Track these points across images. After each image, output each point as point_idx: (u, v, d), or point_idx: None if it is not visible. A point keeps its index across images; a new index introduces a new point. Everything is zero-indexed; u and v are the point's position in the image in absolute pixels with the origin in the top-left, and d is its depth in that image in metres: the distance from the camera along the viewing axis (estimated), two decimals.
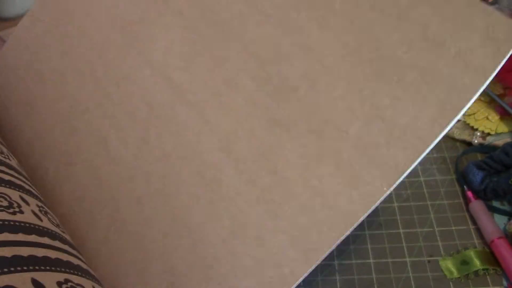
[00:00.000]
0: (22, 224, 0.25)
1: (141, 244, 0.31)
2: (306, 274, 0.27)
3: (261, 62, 0.32)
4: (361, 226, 0.40)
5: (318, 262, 0.27)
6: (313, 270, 0.38)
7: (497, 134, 0.45)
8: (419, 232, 0.39)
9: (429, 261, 0.37)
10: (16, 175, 0.31)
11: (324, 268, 0.38)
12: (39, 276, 0.22)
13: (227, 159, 0.31)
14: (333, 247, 0.27)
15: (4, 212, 0.24)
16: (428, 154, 0.46)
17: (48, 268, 0.23)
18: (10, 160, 0.33)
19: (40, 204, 0.30)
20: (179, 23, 0.37)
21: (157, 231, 0.31)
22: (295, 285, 0.28)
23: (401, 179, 0.27)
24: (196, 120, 0.33)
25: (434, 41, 0.28)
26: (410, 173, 0.44)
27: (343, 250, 0.39)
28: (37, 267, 0.22)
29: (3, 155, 0.32)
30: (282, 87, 0.31)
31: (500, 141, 0.44)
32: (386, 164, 0.27)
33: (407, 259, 0.37)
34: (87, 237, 0.33)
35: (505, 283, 0.35)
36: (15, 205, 0.26)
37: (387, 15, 0.29)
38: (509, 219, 0.38)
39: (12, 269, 0.21)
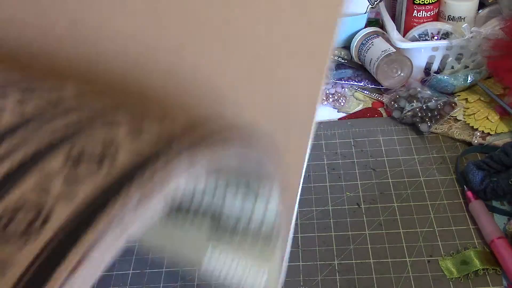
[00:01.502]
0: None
1: None
2: None
3: None
4: (361, 226, 0.40)
5: None
6: (313, 270, 0.38)
7: (497, 134, 0.45)
8: (419, 232, 0.39)
9: (429, 261, 0.37)
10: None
11: (324, 268, 0.38)
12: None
13: None
14: None
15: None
16: (428, 154, 0.46)
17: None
18: None
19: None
20: None
21: None
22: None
23: None
24: None
25: None
26: (410, 173, 0.45)
27: (343, 250, 0.39)
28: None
29: None
30: None
31: (500, 141, 0.45)
32: None
33: (407, 259, 0.37)
34: None
35: (505, 283, 0.35)
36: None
37: None
38: (509, 219, 0.38)
39: None
